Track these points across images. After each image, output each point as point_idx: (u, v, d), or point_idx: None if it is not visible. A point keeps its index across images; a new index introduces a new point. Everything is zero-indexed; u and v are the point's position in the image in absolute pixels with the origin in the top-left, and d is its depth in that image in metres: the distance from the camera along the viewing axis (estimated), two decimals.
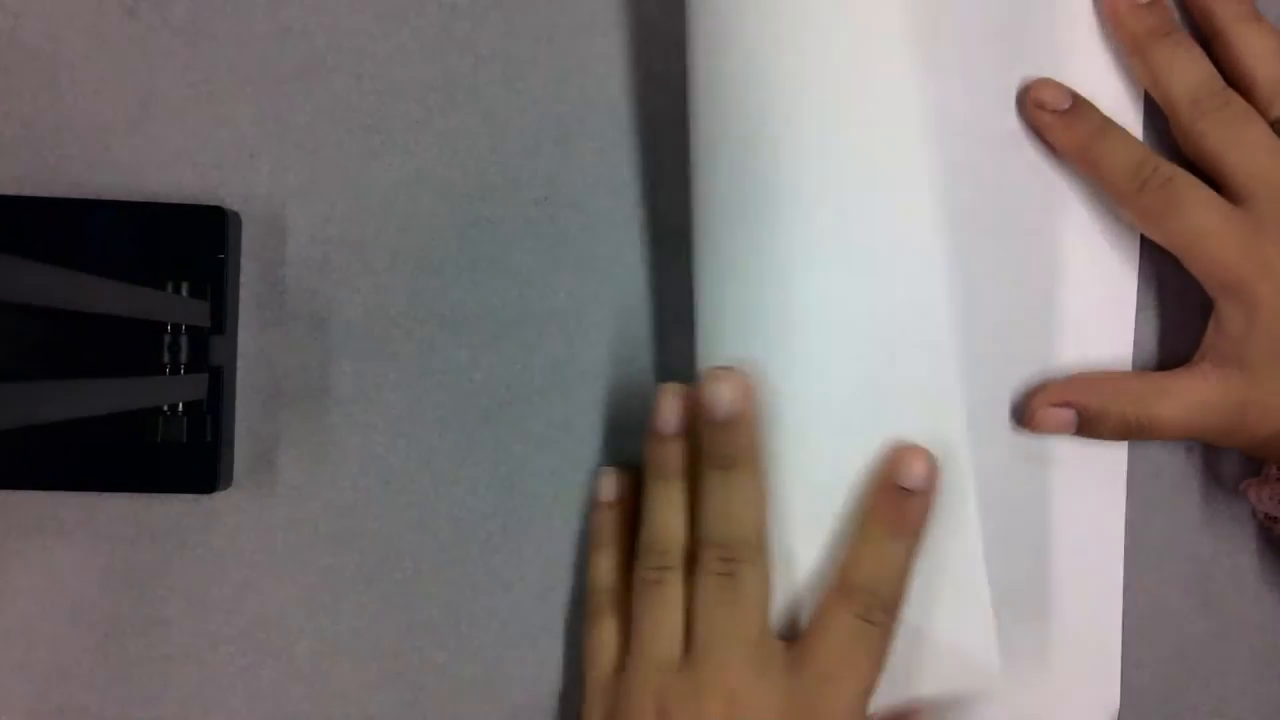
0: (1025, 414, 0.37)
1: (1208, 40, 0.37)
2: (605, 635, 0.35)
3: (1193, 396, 0.36)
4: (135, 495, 0.37)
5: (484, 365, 0.38)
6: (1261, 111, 0.36)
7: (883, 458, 0.33)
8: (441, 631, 0.38)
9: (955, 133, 0.38)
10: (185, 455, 0.36)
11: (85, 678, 0.37)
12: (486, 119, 0.38)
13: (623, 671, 0.34)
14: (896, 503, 0.32)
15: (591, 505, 0.38)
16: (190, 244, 0.36)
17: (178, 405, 0.35)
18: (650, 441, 0.34)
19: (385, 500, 0.38)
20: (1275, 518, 0.36)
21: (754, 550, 0.33)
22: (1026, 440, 0.38)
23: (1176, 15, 0.38)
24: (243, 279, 0.38)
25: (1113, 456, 0.38)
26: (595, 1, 0.38)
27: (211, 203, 0.36)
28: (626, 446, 0.38)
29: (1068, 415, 0.37)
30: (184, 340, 0.35)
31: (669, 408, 0.34)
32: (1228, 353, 0.35)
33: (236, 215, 0.37)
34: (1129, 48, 0.37)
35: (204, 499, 0.37)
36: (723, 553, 0.33)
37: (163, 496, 0.37)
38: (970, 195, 0.38)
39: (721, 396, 0.32)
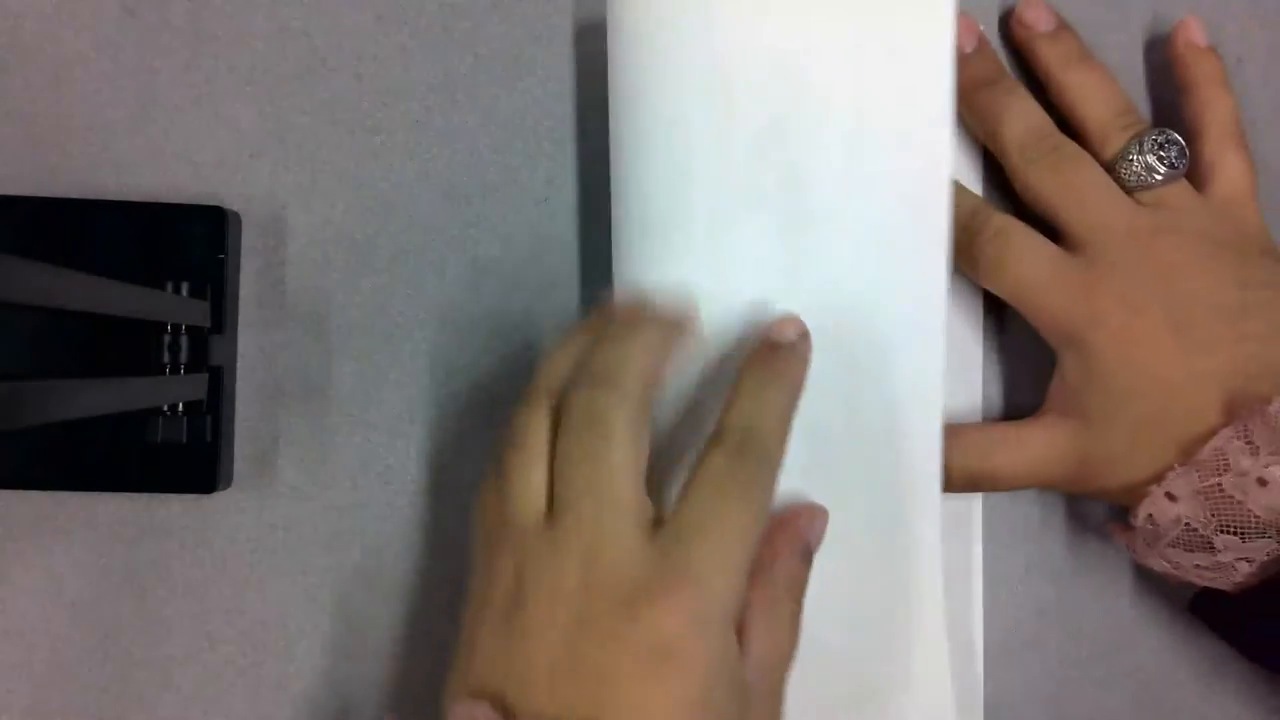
0: None
1: (1041, 86, 0.37)
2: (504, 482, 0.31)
3: (1034, 448, 0.35)
4: (135, 495, 0.37)
5: (484, 365, 0.38)
6: (1095, 154, 0.35)
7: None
8: (441, 632, 0.38)
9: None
10: (185, 455, 0.36)
11: (85, 678, 0.37)
12: (486, 119, 0.38)
13: (482, 536, 0.31)
14: (769, 353, 0.32)
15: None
16: (190, 244, 0.36)
17: (178, 405, 0.35)
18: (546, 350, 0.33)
19: (385, 500, 0.38)
20: (1152, 567, 0.35)
21: (627, 397, 0.29)
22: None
23: (1004, 63, 0.38)
24: (243, 279, 0.38)
25: (965, 505, 0.38)
26: (594, 2, 0.38)
27: (211, 203, 0.36)
28: None
29: None
30: (184, 340, 0.35)
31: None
32: (1069, 403, 0.35)
33: (236, 215, 0.37)
34: (960, 101, 0.36)
35: (204, 499, 0.37)
36: (591, 392, 0.29)
37: (163, 496, 0.37)
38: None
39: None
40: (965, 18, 0.37)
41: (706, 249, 0.34)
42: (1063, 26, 0.37)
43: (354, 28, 0.38)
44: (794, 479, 0.34)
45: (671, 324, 0.32)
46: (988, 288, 0.36)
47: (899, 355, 0.35)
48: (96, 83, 0.37)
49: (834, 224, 0.34)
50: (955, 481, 0.35)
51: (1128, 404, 0.33)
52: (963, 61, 0.36)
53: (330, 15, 0.38)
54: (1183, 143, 0.35)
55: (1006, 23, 0.38)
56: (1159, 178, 0.34)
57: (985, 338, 0.39)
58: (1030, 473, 0.35)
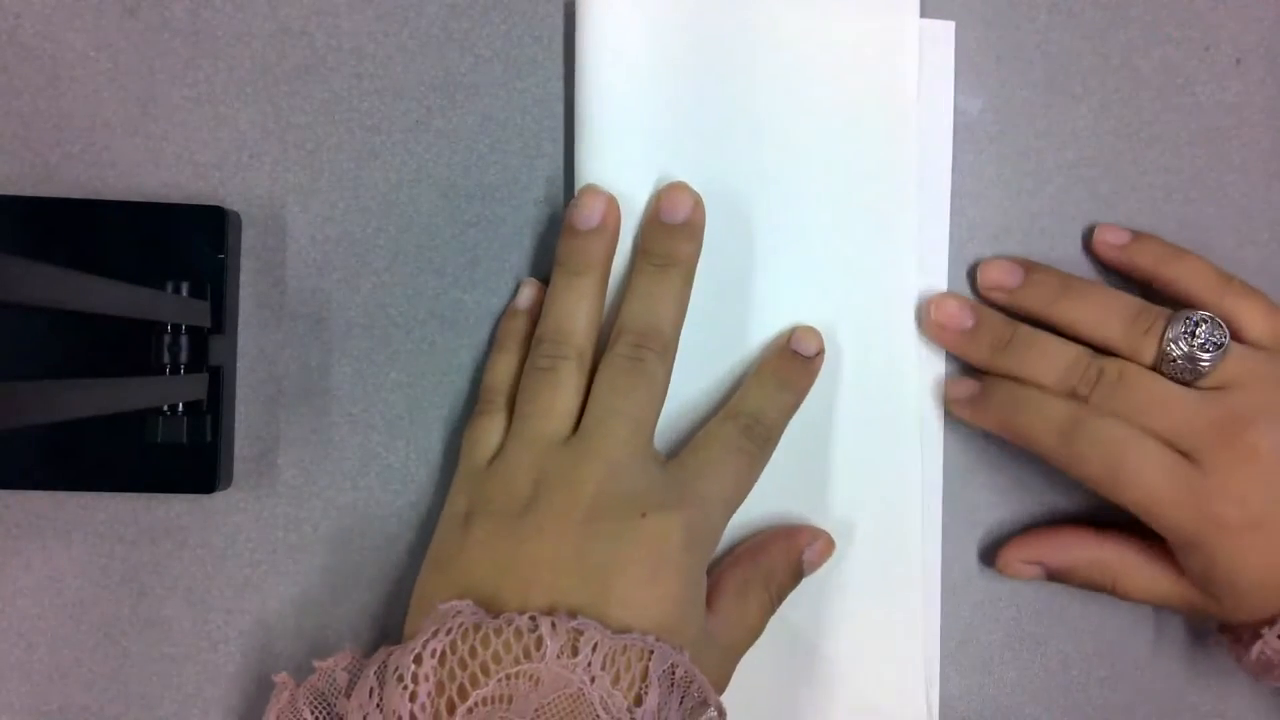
0: (1000, 561, 0.38)
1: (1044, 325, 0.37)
2: (490, 427, 0.35)
3: (1160, 586, 0.36)
4: (135, 495, 0.37)
5: (483, 365, 0.38)
6: (1138, 359, 0.35)
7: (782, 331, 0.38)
8: None
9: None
10: (185, 455, 0.36)
11: (85, 678, 0.37)
12: (486, 119, 0.38)
13: (499, 456, 0.34)
14: (789, 361, 0.37)
15: (505, 312, 0.38)
16: (190, 244, 0.36)
17: (178, 405, 0.35)
18: (566, 237, 0.36)
19: (385, 500, 0.38)
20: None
21: (665, 344, 0.34)
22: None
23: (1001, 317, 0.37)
24: (243, 279, 0.38)
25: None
26: None
27: (211, 203, 0.36)
28: None
29: (1033, 571, 0.38)
30: (184, 340, 0.35)
31: (592, 205, 0.35)
32: (1194, 582, 0.35)
33: (236, 215, 0.37)
34: (991, 370, 0.37)
35: (204, 499, 0.37)
36: (638, 339, 0.34)
37: (163, 496, 0.37)
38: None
39: (681, 203, 0.35)
40: (955, 297, 0.38)
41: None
42: (1033, 268, 0.37)
43: (354, 28, 0.38)
44: (790, 480, 0.37)
45: (689, 273, 0.36)
46: (1100, 493, 0.35)
47: (887, 362, 0.38)
48: (96, 83, 0.37)
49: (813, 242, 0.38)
50: (1081, 584, 0.37)
51: (1252, 594, 0.34)
52: (970, 340, 0.37)
53: (330, 15, 0.38)
54: (1210, 316, 0.34)
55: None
56: (1206, 362, 0.34)
57: None
58: (1155, 595, 0.36)
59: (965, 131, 0.39)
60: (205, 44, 0.37)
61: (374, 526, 0.38)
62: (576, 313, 0.35)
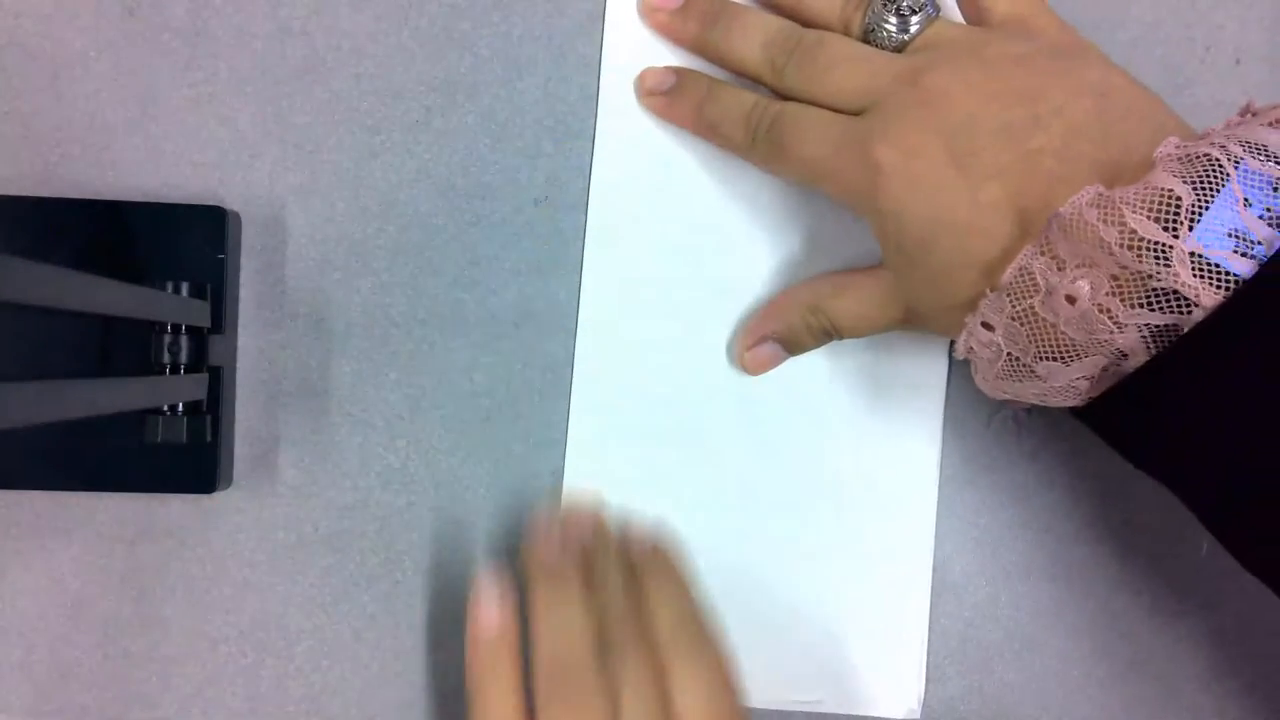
0: (738, 361, 0.38)
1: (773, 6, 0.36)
2: None
3: (866, 293, 0.35)
4: (135, 495, 0.37)
5: (484, 365, 0.38)
6: (846, 33, 0.34)
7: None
8: (441, 631, 0.38)
9: None
10: (185, 455, 0.36)
11: (85, 678, 0.37)
12: (486, 119, 0.38)
13: None
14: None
15: (469, 638, 0.32)
16: (190, 244, 0.36)
17: (178, 405, 0.35)
18: (535, 549, 0.34)
19: (385, 500, 0.38)
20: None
21: (705, 651, 0.32)
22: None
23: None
24: (243, 279, 0.38)
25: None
26: (594, 2, 0.38)
27: (211, 203, 0.36)
28: None
29: (769, 349, 0.37)
30: (184, 340, 0.35)
31: (550, 528, 0.34)
32: (882, 261, 0.34)
33: (236, 215, 0.37)
34: (697, 52, 0.37)
35: (204, 499, 0.37)
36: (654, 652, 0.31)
37: (163, 496, 0.37)
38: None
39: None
40: None
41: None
42: None
43: (354, 28, 0.38)
44: (795, 471, 0.38)
45: (680, 570, 0.34)
46: (784, 178, 0.36)
47: (890, 361, 0.39)
48: (96, 83, 0.37)
49: None
50: (807, 339, 0.37)
51: (924, 255, 0.31)
52: (677, 20, 0.37)
53: (330, 15, 0.38)
54: None
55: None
56: (913, 28, 0.33)
57: None
58: (867, 315, 0.35)
59: None
60: (205, 44, 0.37)
61: (374, 526, 0.38)
62: (577, 624, 0.31)
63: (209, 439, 0.36)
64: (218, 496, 0.37)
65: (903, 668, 0.38)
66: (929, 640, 0.39)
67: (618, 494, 0.38)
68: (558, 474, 0.38)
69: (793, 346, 0.37)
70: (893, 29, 0.33)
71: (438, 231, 0.38)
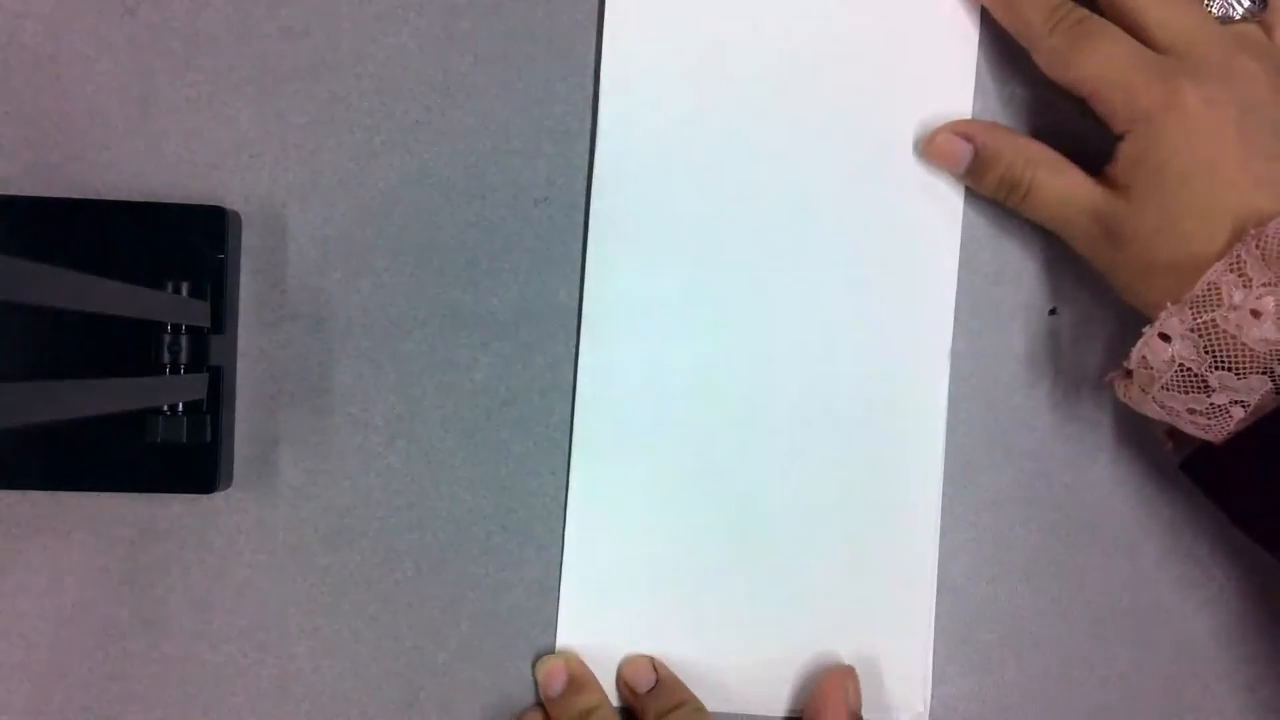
0: (926, 141, 0.38)
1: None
2: None
3: (1078, 186, 0.35)
4: (135, 495, 0.37)
5: (484, 365, 0.38)
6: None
7: None
8: (441, 631, 0.38)
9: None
10: (185, 455, 0.36)
11: (85, 678, 0.37)
12: (486, 119, 0.38)
13: None
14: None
15: None
16: (190, 244, 0.36)
17: (178, 405, 0.35)
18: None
19: (385, 500, 0.38)
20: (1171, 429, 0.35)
21: None
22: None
23: None
24: (243, 279, 0.38)
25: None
26: (594, 3, 0.38)
27: (211, 203, 0.36)
28: None
29: (964, 149, 0.37)
30: (184, 340, 0.35)
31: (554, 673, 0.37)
32: (1118, 177, 0.35)
33: (236, 215, 0.37)
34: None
35: (204, 499, 0.37)
36: None
37: (163, 496, 0.37)
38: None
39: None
40: None
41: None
42: None
43: (354, 28, 0.38)
44: (808, 460, 0.39)
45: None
46: (1063, 81, 0.36)
47: (906, 359, 0.39)
48: (96, 83, 0.37)
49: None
50: (996, 179, 0.37)
51: (1179, 188, 0.33)
52: None
53: (330, 15, 0.38)
54: None
55: None
56: (1241, 8, 0.36)
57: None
58: (1063, 203, 0.36)
59: None
60: (205, 44, 0.37)
61: (374, 526, 0.38)
62: None
63: (209, 439, 0.36)
64: (218, 496, 0.37)
65: (910, 670, 0.38)
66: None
67: (622, 498, 0.38)
68: (558, 474, 0.38)
69: (980, 171, 0.37)
70: (1227, 3, 0.37)
71: (438, 231, 0.38)
